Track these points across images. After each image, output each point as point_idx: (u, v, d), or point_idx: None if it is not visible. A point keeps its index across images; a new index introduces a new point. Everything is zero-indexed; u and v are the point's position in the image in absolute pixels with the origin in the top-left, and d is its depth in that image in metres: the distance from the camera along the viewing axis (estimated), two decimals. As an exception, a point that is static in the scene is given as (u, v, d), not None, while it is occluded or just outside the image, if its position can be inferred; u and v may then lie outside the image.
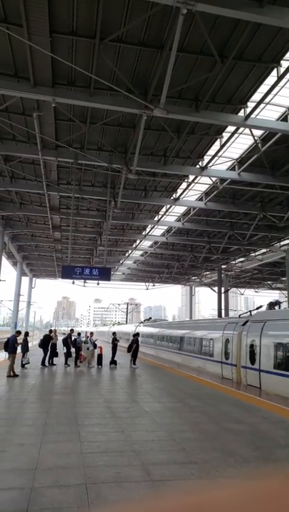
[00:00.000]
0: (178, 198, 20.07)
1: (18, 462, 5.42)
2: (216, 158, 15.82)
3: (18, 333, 15.93)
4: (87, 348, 19.27)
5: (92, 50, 10.23)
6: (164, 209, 22.86)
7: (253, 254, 32.94)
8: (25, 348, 17.25)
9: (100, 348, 19.42)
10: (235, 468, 5.34)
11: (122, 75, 10.90)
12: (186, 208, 22.37)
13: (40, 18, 8.74)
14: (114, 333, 21.45)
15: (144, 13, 9.06)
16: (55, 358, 19.02)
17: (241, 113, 12.61)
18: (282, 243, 28.55)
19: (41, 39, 9.22)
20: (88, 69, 10.67)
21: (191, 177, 17.91)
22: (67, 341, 19.49)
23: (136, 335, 20.48)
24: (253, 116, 12.20)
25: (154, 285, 47.21)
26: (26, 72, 10.52)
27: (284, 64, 10.75)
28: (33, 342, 33.16)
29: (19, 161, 16.73)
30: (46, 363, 18.20)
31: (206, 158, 16.10)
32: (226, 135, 14.54)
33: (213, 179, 18.02)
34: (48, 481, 4.77)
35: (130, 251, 33.38)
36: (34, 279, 47.78)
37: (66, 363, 18.70)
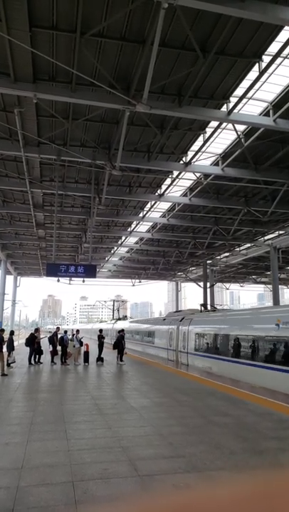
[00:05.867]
0: (162, 194, 20.07)
1: (4, 462, 5.37)
2: (200, 153, 15.86)
3: (2, 331, 15.78)
4: (74, 346, 19.19)
5: (74, 45, 10.11)
6: (148, 205, 22.84)
7: (238, 249, 33.20)
8: (11, 347, 17.10)
9: (87, 345, 19.35)
10: (222, 461, 5.38)
11: (104, 70, 10.80)
12: (170, 203, 22.38)
13: (19, 11, 8.59)
14: (100, 330, 21.39)
15: (125, 7, 8.99)
16: (41, 356, 18.90)
17: (224, 108, 12.64)
18: (266, 238, 28.85)
19: (21, 33, 9.06)
20: (70, 64, 10.55)
21: (175, 173, 17.91)
22: (53, 339, 19.37)
23: (121, 331, 20.47)
24: (235, 111, 12.24)
25: (140, 281, 47.21)
26: (6, 67, 10.34)
27: (265, 59, 10.79)
28: (19, 341, 32.88)
29: (1, 158, 16.49)
30: (32, 361, 18.08)
31: (190, 154, 16.12)
32: (209, 130, 14.57)
33: (197, 175, 18.06)
34: (35, 479, 4.73)
35: (116, 248, 33.27)
36: (19, 277, 47.24)
37: (52, 360, 18.60)
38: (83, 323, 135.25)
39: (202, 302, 24.63)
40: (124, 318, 50.30)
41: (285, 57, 10.72)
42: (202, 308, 23.53)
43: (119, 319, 48.57)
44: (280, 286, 35.59)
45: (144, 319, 41.79)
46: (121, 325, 37.85)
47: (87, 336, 46.46)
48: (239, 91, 12.12)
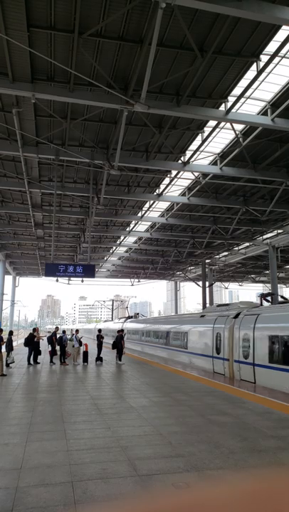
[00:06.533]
0: (161, 194, 20.07)
1: (3, 462, 5.36)
2: (198, 153, 15.86)
3: (1, 331, 15.80)
4: (73, 346, 19.21)
5: (71, 45, 10.11)
6: (147, 205, 22.86)
7: (237, 248, 33.24)
8: (10, 347, 17.10)
9: (86, 345, 19.37)
10: (222, 460, 5.38)
11: (102, 70, 10.80)
12: (169, 203, 22.39)
13: (17, 11, 8.58)
14: (99, 330, 21.40)
15: (122, 7, 8.99)
16: (39, 356, 18.89)
17: (222, 107, 12.65)
18: (264, 237, 28.88)
19: (19, 33, 9.05)
20: (68, 64, 10.55)
21: (174, 172, 17.92)
22: (52, 339, 19.37)
23: (120, 331, 20.48)
24: (233, 110, 12.24)
25: (139, 281, 47.23)
26: (4, 67, 10.34)
27: (263, 58, 10.80)
28: (18, 341, 32.88)
29: (-1, 158, 16.50)
30: (31, 362, 18.08)
31: (188, 153, 16.12)
32: (207, 130, 14.57)
33: (196, 174, 18.06)
34: (34, 480, 4.73)
35: (114, 247, 33.29)
36: (17, 277, 47.25)
37: (51, 360, 18.60)
38: (82, 323, 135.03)
39: (262, 293, 17.26)
40: (136, 316, 42.16)
41: (283, 57, 10.73)
42: (262, 299, 16.82)
43: (129, 317, 41.94)
44: (278, 285, 35.63)
45: (166, 317, 30.78)
46: (131, 325, 35.33)
47: (91, 336, 45.75)
48: (237, 90, 12.13)
